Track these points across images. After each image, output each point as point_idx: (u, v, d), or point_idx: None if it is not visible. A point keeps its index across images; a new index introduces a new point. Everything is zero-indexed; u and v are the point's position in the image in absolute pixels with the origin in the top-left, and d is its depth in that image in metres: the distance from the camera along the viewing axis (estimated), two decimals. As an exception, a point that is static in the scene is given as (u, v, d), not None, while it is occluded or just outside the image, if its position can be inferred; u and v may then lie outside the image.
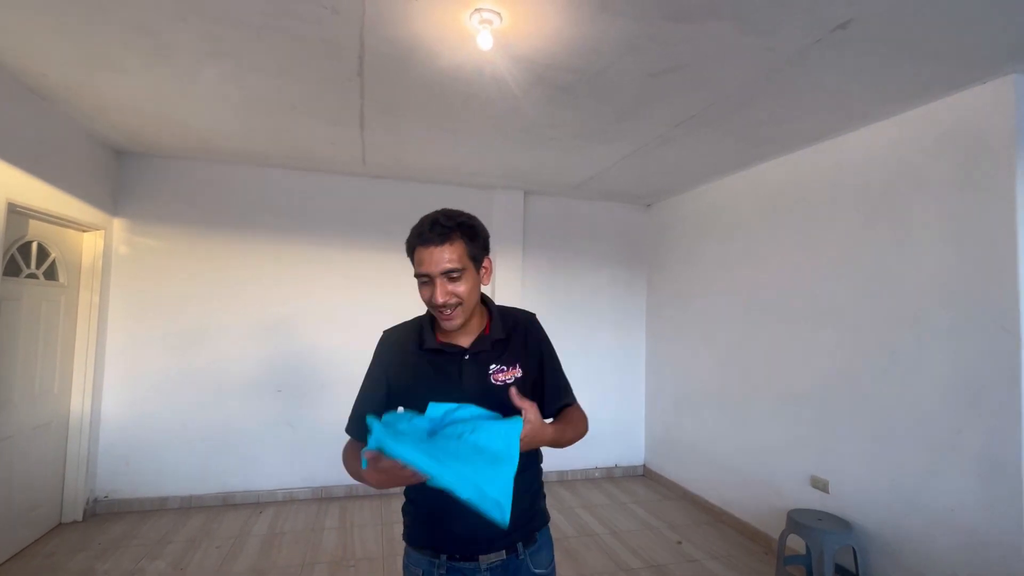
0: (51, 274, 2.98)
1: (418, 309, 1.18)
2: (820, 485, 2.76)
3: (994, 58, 1.92)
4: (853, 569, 2.47)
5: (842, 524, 2.49)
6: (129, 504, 3.40)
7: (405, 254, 1.08)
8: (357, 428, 1.12)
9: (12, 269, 2.64)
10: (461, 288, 1.04)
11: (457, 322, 1.06)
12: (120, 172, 3.46)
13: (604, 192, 4.22)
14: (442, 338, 1.13)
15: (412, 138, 3.02)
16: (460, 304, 1.04)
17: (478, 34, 1.80)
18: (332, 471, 3.74)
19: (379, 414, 0.97)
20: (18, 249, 2.69)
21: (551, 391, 1.19)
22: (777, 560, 2.65)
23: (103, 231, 3.29)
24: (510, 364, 1.13)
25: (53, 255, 2.97)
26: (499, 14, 1.75)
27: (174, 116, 2.79)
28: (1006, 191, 2.00)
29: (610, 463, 4.47)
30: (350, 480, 3.79)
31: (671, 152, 3.15)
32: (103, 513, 3.34)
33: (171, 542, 2.98)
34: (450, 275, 1.02)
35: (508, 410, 1.02)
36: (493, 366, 1.11)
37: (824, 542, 2.38)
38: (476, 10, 1.73)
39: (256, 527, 3.23)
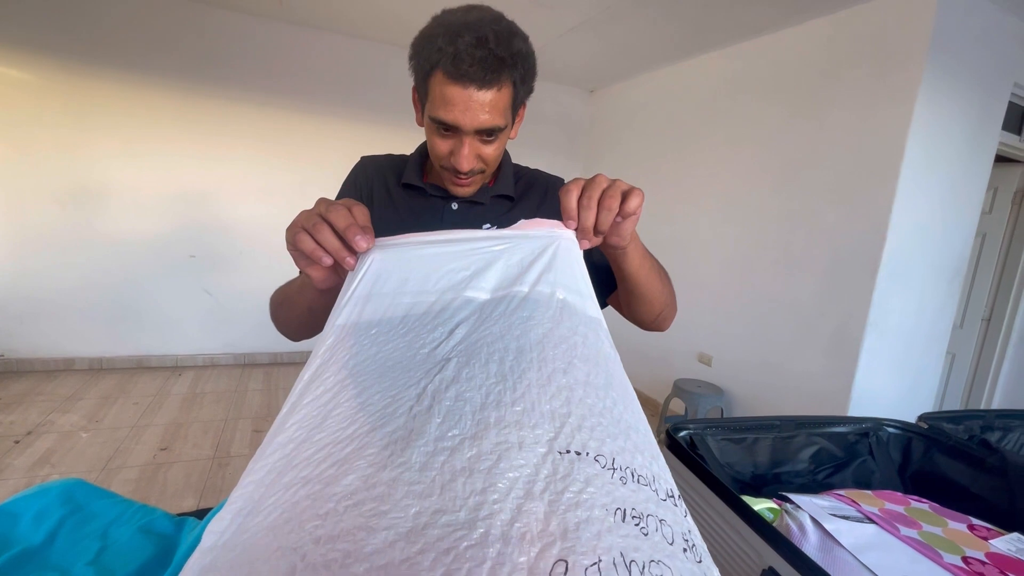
0: None
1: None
2: (705, 360, 3.16)
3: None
4: (719, 425, 2.95)
5: (716, 390, 2.92)
6: (31, 364, 3.26)
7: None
8: None
9: None
10: (491, 150, 0.74)
11: (472, 190, 0.80)
12: (-37, -22, 2.81)
13: (545, 71, 4.02)
14: (428, 177, 0.88)
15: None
16: (483, 171, 0.77)
17: None
18: (256, 339, 3.76)
19: None
20: None
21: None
22: (659, 419, 3.10)
23: (-49, 53, 2.74)
24: None
25: None
26: None
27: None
28: (906, 99, 2.15)
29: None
30: (275, 347, 3.84)
31: (617, 30, 3.02)
32: (1, 371, 3.19)
33: (82, 399, 2.94)
34: (486, 134, 0.71)
35: None
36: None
37: (699, 403, 2.80)
38: None
39: (176, 387, 3.25)
